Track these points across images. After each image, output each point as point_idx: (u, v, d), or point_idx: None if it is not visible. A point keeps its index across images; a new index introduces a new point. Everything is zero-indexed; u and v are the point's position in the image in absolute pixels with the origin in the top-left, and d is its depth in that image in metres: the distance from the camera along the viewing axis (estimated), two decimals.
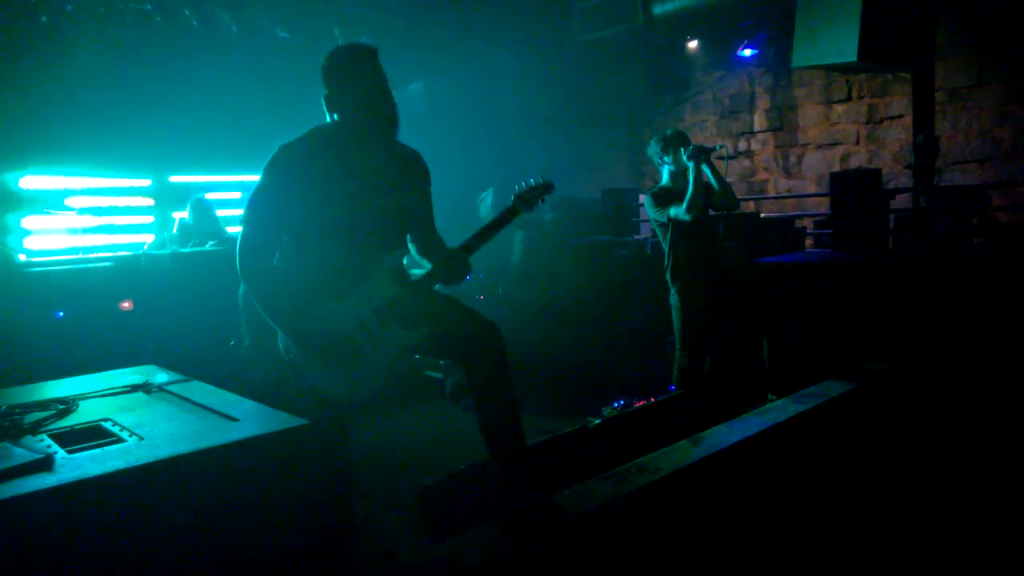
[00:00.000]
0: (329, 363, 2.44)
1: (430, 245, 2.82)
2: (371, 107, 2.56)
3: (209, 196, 6.53)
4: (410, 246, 2.82)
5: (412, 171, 2.76)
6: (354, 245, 2.56)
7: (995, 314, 3.73)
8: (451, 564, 2.31)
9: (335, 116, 2.59)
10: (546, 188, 2.87)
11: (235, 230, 6.52)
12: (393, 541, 2.94)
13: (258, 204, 2.52)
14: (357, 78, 2.57)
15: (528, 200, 2.84)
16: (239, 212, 7.23)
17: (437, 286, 2.75)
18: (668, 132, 4.41)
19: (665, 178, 4.42)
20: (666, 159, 4.36)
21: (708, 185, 4.23)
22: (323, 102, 2.59)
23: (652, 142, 4.44)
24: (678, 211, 4.19)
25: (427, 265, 2.79)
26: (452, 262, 2.69)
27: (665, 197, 4.32)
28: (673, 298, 4.35)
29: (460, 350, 2.68)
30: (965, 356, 3.75)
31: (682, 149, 4.26)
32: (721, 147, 4.21)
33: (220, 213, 6.29)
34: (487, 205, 6.56)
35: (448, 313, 2.67)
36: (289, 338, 2.45)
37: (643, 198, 4.70)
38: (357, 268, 2.56)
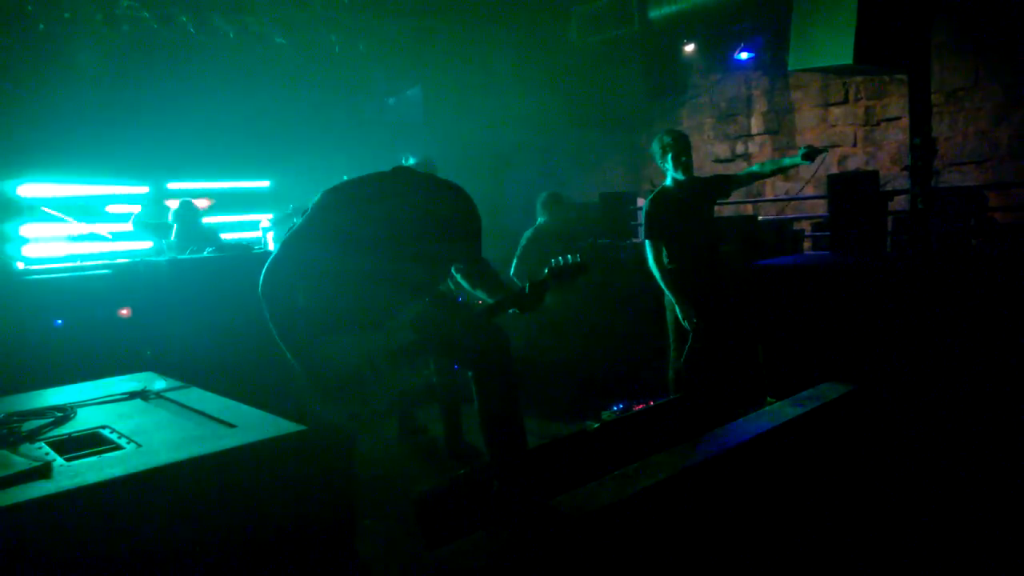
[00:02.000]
0: (331, 394, 2.47)
1: (476, 272, 2.84)
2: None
3: (200, 203, 6.55)
4: (458, 278, 2.86)
5: (452, 219, 2.75)
6: (381, 287, 2.60)
7: (994, 315, 3.73)
8: (450, 570, 2.31)
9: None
10: (581, 269, 2.80)
11: (229, 236, 6.54)
12: (392, 547, 2.94)
13: (299, 237, 2.59)
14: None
15: (561, 277, 2.79)
16: (236, 218, 7.31)
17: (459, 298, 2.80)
18: (667, 138, 4.43)
19: (669, 180, 4.44)
20: (665, 165, 4.39)
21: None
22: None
23: (654, 142, 4.48)
24: (652, 257, 4.28)
25: (478, 294, 2.85)
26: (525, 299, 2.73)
27: (656, 221, 4.34)
28: (668, 300, 4.36)
29: (469, 359, 2.71)
30: (964, 358, 3.74)
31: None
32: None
33: (208, 220, 6.28)
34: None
35: (459, 334, 2.70)
36: (296, 363, 2.48)
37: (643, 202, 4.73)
38: (378, 309, 2.60)
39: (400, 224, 2.61)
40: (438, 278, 2.85)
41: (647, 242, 4.37)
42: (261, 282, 2.53)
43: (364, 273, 2.59)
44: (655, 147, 4.44)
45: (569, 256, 2.78)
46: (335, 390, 2.48)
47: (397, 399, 2.61)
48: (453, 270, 2.88)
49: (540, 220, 6.07)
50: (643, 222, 4.41)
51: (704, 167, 9.22)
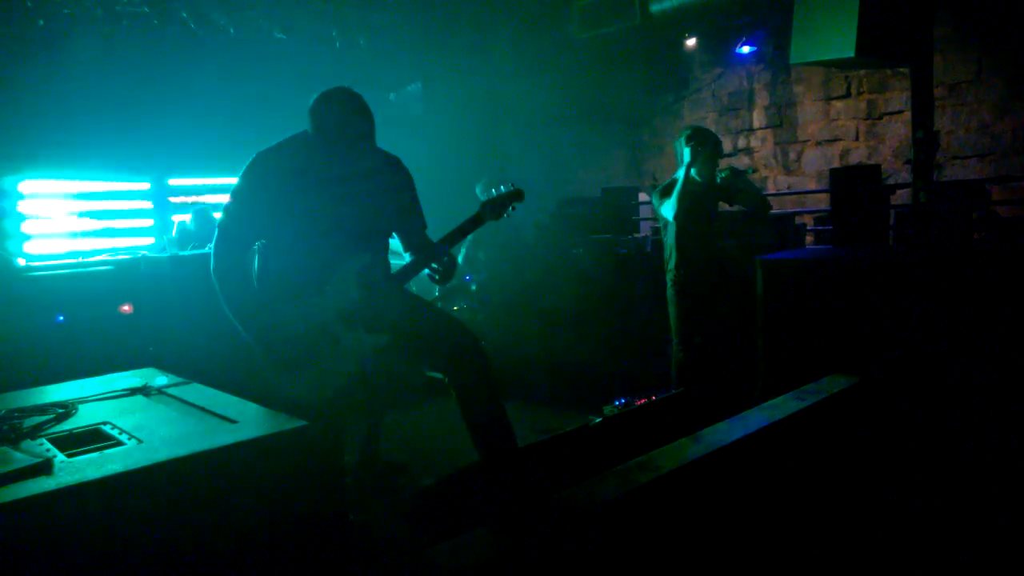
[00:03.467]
0: (286, 363, 2.46)
1: (415, 244, 2.85)
2: (345, 123, 2.64)
3: (208, 199, 6.55)
4: (396, 245, 2.85)
5: (390, 176, 2.79)
6: (319, 249, 2.62)
7: (996, 309, 3.72)
8: (450, 566, 2.31)
9: (312, 129, 2.65)
10: (514, 196, 2.87)
11: None
12: (391, 542, 2.93)
13: (233, 205, 2.61)
14: (334, 104, 2.68)
15: (496, 207, 2.84)
16: None
17: (413, 288, 2.78)
18: (687, 131, 4.44)
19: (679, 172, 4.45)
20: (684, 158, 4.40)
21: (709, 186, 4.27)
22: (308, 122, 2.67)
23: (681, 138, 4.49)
24: (664, 210, 4.24)
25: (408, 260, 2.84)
26: (433, 253, 2.75)
27: (667, 191, 4.34)
28: (670, 291, 4.36)
29: (441, 361, 2.71)
30: (967, 352, 3.74)
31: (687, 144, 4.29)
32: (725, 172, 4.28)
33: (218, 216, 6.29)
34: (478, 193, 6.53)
35: (423, 318, 2.71)
36: (248, 336, 2.49)
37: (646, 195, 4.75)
38: (323, 272, 2.60)
39: (331, 180, 2.61)
40: (376, 237, 2.82)
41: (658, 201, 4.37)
42: (212, 258, 2.55)
43: (303, 230, 2.59)
44: (682, 142, 4.43)
45: (502, 187, 2.85)
46: (290, 360, 2.48)
47: (362, 364, 2.59)
48: (403, 250, 2.87)
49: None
50: (656, 197, 4.41)
51: None
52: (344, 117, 2.61)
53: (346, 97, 2.68)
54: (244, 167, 2.67)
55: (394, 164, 2.84)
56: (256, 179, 2.62)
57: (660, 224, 4.46)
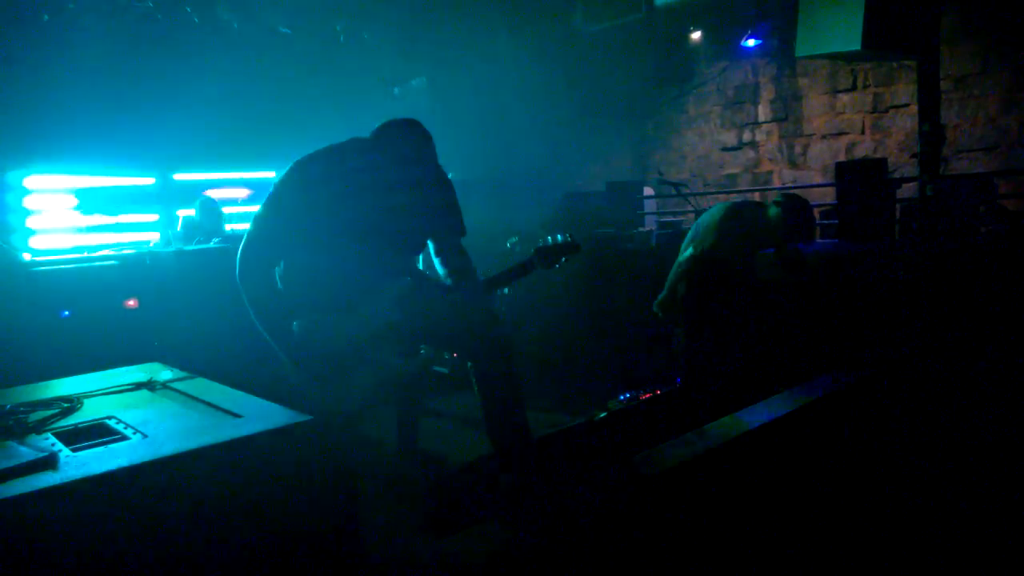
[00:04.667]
0: (312, 376, 2.45)
1: (443, 248, 2.78)
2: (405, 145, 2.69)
3: (212, 193, 6.55)
4: (435, 263, 2.80)
5: (430, 188, 2.73)
6: (351, 260, 2.57)
7: (1003, 303, 3.71)
8: (458, 560, 2.31)
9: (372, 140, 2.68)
10: (570, 249, 2.74)
11: (232, 227, 6.55)
12: (399, 536, 2.94)
13: (266, 213, 2.56)
14: (407, 130, 2.75)
15: (548, 258, 2.73)
16: (242, 210, 7.31)
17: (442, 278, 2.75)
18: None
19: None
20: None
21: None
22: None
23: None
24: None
25: (438, 269, 2.78)
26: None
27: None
28: (681, 284, 4.35)
29: (465, 349, 2.68)
30: (973, 346, 3.72)
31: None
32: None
33: (224, 211, 6.31)
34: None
35: (449, 319, 2.64)
36: (274, 345, 2.47)
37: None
38: (354, 284, 2.57)
39: (369, 183, 2.58)
40: (414, 247, 2.77)
41: None
42: (237, 265, 2.52)
43: (337, 244, 2.56)
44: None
45: (559, 235, 2.74)
46: (316, 372, 2.46)
47: (386, 385, 2.58)
48: (433, 254, 2.81)
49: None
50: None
51: (711, 155, 9.18)
52: (411, 141, 2.65)
53: (418, 129, 2.74)
54: (281, 176, 2.63)
55: (438, 176, 2.78)
56: (293, 187, 2.58)
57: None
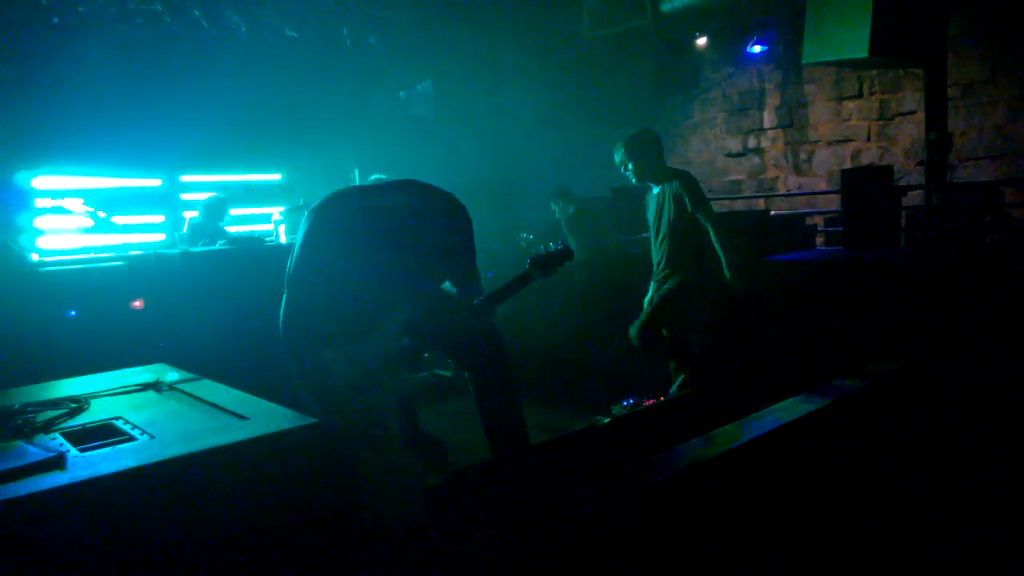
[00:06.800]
0: (334, 410, 2.49)
1: (457, 280, 2.82)
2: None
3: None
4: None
5: (444, 219, 2.73)
6: (368, 295, 2.59)
7: (1009, 312, 3.70)
8: (458, 564, 2.31)
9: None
10: (564, 256, 2.81)
11: (234, 229, 6.58)
12: (401, 540, 2.94)
13: (297, 272, 2.62)
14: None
15: (544, 267, 2.79)
16: (247, 211, 7.34)
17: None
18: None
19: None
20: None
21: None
22: None
23: None
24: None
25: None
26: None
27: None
28: (680, 290, 4.36)
29: (462, 355, 2.71)
30: (978, 354, 3.72)
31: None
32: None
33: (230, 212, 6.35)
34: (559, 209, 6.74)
35: (449, 325, 2.69)
36: (310, 399, 2.50)
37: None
38: (368, 315, 2.59)
39: (387, 226, 2.60)
40: (427, 282, 2.80)
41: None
42: (282, 324, 2.55)
43: (354, 282, 2.58)
44: None
45: (551, 244, 2.79)
46: (337, 404, 2.50)
47: (399, 403, 2.63)
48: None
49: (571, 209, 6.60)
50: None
51: (716, 161, 9.18)
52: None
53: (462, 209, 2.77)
54: (302, 230, 2.67)
55: (454, 208, 2.77)
56: (312, 237, 2.62)
57: (681, 222, 4.45)
